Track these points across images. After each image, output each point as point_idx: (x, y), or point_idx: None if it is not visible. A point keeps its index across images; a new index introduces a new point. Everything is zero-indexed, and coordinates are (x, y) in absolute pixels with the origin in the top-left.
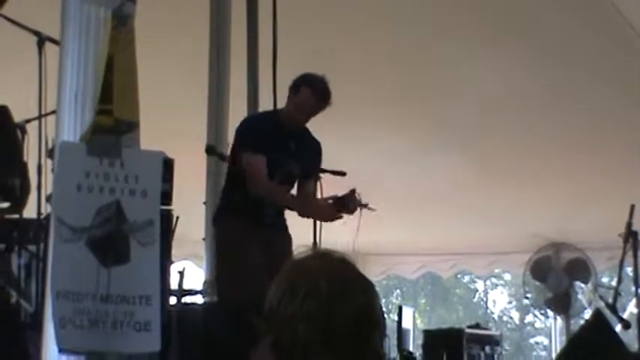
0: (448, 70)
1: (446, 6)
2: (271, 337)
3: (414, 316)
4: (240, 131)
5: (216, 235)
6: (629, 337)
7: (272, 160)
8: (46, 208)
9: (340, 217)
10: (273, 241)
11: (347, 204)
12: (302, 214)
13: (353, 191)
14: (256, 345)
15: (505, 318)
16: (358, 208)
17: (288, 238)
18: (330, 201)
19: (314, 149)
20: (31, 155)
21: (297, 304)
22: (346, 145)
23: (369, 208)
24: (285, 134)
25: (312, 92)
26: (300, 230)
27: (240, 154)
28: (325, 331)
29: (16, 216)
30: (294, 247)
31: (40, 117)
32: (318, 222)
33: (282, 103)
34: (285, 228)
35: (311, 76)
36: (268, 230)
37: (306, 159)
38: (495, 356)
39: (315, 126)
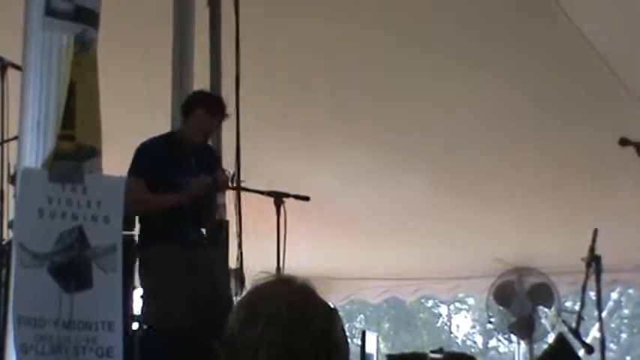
0: (415, 92)
1: (413, 36)
2: None
3: (377, 341)
4: (133, 157)
5: (139, 263)
6: None
7: (171, 181)
8: (8, 234)
9: (212, 188)
10: (198, 261)
11: (217, 180)
12: (191, 199)
13: (222, 169)
14: None
15: (469, 342)
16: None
17: (218, 257)
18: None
19: (215, 160)
20: None
21: (258, 329)
22: (309, 168)
23: (233, 178)
24: (183, 153)
25: (206, 111)
26: (262, 255)
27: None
28: (286, 356)
29: None
30: (256, 272)
31: (2, 143)
32: (280, 247)
33: (244, 127)
34: (217, 244)
35: (201, 93)
36: (193, 250)
37: (208, 174)
38: None
39: (281, 149)
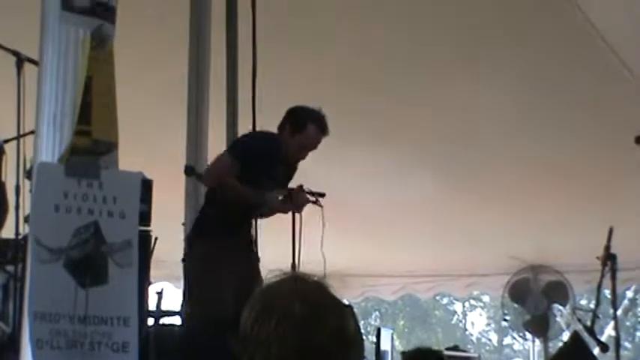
0: (426, 93)
1: (424, 33)
2: (246, 358)
3: (392, 338)
4: (244, 138)
5: (191, 254)
6: None
7: (256, 178)
8: (24, 229)
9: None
10: (248, 261)
11: (294, 200)
12: (269, 210)
13: (300, 187)
14: None
15: (484, 340)
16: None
17: (255, 257)
18: (281, 197)
19: (294, 170)
20: (9, 176)
21: (271, 326)
22: (324, 165)
23: (318, 204)
24: (280, 160)
25: (318, 129)
26: (276, 252)
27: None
28: (299, 353)
29: None
30: (270, 269)
31: (18, 137)
32: (296, 246)
33: (262, 124)
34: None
35: (312, 111)
36: (248, 248)
37: (284, 182)
38: None
39: None
